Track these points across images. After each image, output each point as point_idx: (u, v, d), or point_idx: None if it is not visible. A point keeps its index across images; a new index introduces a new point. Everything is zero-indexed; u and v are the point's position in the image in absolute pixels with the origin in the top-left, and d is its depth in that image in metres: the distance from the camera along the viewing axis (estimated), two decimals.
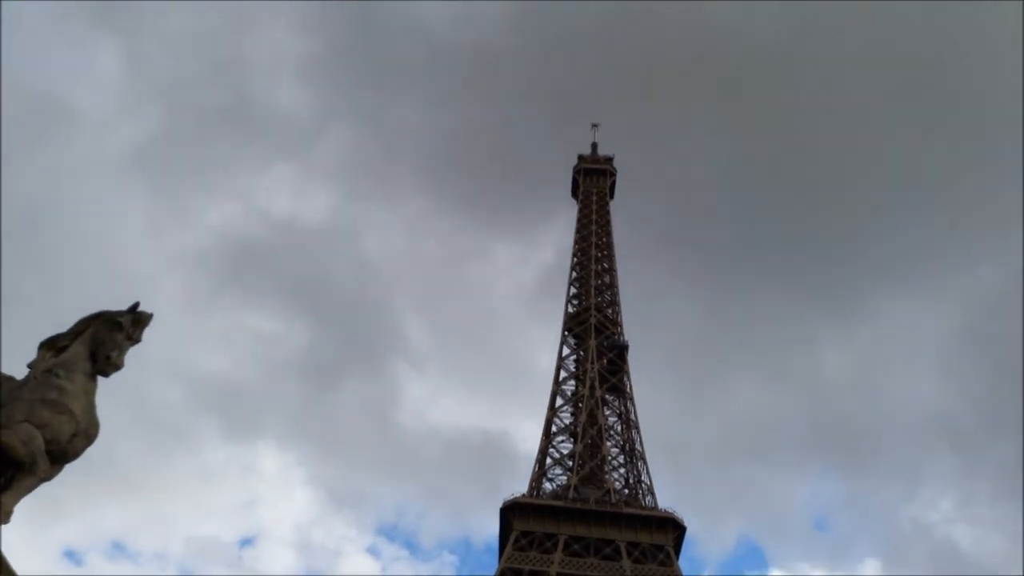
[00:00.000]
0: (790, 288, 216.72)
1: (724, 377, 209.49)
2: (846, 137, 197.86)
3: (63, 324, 9.15)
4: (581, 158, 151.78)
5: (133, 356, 9.26)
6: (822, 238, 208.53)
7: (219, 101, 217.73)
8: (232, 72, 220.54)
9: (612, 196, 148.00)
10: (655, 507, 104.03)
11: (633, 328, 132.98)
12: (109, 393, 9.14)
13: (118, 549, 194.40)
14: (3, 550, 8.02)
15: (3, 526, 8.20)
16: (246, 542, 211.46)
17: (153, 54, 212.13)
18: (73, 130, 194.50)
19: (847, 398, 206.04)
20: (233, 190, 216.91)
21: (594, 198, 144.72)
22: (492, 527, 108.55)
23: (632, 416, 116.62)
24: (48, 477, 8.38)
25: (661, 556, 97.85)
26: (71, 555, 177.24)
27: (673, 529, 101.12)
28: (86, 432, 8.68)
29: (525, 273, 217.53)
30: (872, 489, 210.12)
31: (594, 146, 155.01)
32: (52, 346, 9.02)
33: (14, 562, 7.86)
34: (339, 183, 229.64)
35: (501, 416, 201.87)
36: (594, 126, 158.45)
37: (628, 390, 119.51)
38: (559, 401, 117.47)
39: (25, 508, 8.36)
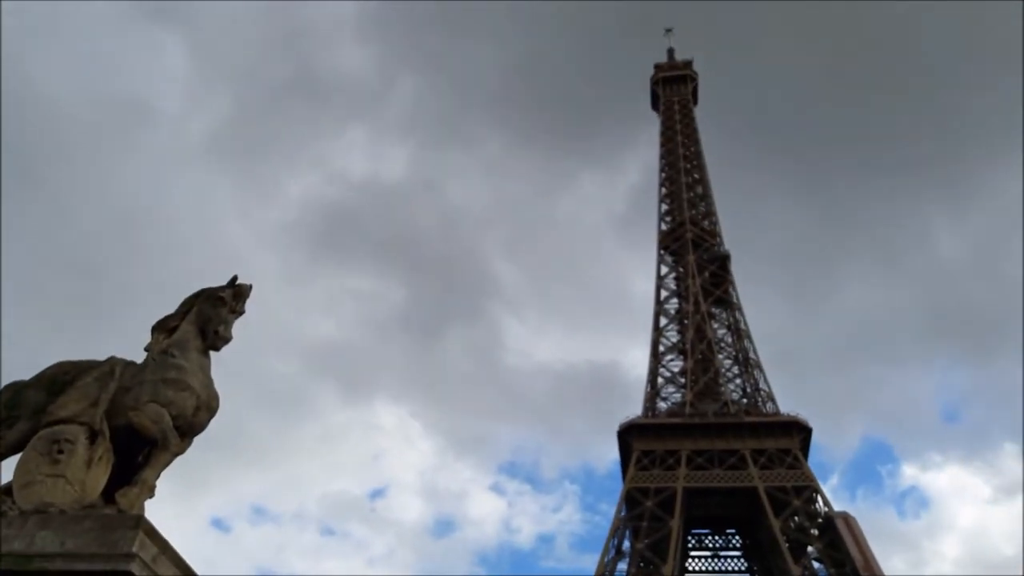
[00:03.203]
0: (895, 173, 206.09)
1: (835, 275, 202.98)
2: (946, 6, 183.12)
3: (170, 307, 9.56)
4: (658, 67, 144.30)
5: (247, 333, 9.60)
6: (924, 116, 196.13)
7: (284, 74, 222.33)
8: (292, 44, 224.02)
9: (696, 102, 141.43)
10: (777, 412, 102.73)
11: (733, 237, 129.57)
12: (230, 371, 9.57)
13: (259, 513, 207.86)
14: (156, 524, 8.49)
15: (153, 500, 8.75)
16: (376, 494, 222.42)
17: (213, 41, 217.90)
18: (153, 126, 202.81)
19: (966, 283, 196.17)
20: (311, 159, 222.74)
21: (676, 107, 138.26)
22: (612, 454, 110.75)
23: (742, 326, 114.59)
24: (181, 451, 8.88)
25: (789, 460, 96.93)
26: (218, 523, 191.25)
27: (798, 432, 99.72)
28: (208, 405, 9.13)
29: (613, 199, 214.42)
30: (1003, 374, 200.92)
31: (670, 52, 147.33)
32: (163, 328, 9.47)
33: (169, 534, 8.35)
34: (413, 135, 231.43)
35: (606, 346, 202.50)
36: (667, 31, 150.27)
37: (735, 300, 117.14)
38: (663, 321, 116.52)
39: (172, 484, 8.90)
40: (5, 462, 8.99)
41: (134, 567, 7.53)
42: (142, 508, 8.46)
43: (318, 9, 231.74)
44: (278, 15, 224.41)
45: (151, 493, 8.61)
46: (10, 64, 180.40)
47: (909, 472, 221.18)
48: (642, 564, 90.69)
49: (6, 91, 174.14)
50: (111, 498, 8.44)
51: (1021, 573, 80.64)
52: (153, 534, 8.08)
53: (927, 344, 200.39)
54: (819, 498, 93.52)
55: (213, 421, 9.22)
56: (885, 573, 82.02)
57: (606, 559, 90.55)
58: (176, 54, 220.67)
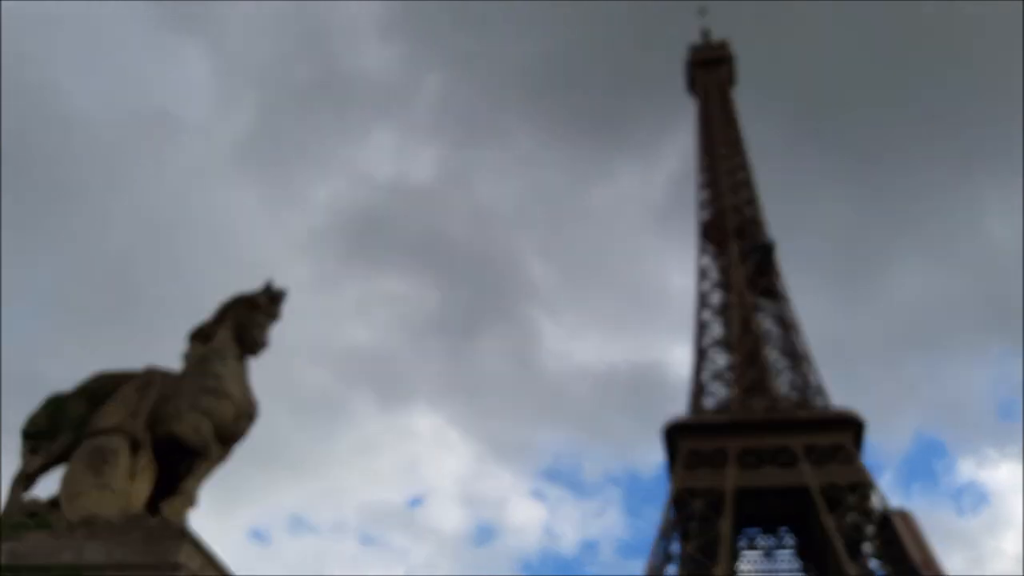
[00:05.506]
0: (943, 155, 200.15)
1: (885, 263, 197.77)
2: None
3: (204, 314, 9.50)
4: (693, 49, 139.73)
5: (280, 342, 9.50)
6: (971, 99, 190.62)
7: (308, 78, 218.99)
8: (316, 45, 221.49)
9: (734, 84, 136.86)
10: (827, 407, 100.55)
11: (778, 225, 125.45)
12: (265, 381, 9.47)
13: (298, 524, 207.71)
14: (197, 535, 8.44)
15: (193, 511, 8.70)
16: (415, 502, 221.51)
17: (236, 46, 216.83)
18: (180, 136, 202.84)
19: (1021, 270, 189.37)
20: (339, 162, 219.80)
21: (714, 90, 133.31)
22: (656, 457, 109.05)
23: (789, 317, 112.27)
24: (222, 459, 8.83)
25: (842, 456, 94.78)
26: (256, 534, 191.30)
27: (851, 427, 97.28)
28: (247, 412, 9.08)
29: (650, 189, 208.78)
30: None
31: (705, 33, 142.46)
32: (201, 335, 9.43)
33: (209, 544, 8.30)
34: (443, 134, 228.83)
35: (648, 344, 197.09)
36: (701, 11, 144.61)
37: (781, 291, 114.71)
38: (707, 314, 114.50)
39: (211, 495, 8.84)
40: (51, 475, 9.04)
41: None
42: (186, 518, 8.43)
43: (341, 9, 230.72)
44: (300, 17, 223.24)
45: (193, 502, 8.57)
46: (42, 79, 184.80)
47: (965, 468, 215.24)
48: (692, 567, 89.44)
49: (37, 105, 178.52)
50: (155, 508, 8.42)
51: (1021, 573, 77.80)
52: (198, 544, 8.03)
53: (981, 334, 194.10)
54: (874, 495, 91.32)
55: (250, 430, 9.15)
56: (945, 571, 79.69)
57: (654, 562, 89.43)
58: (199, 62, 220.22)
